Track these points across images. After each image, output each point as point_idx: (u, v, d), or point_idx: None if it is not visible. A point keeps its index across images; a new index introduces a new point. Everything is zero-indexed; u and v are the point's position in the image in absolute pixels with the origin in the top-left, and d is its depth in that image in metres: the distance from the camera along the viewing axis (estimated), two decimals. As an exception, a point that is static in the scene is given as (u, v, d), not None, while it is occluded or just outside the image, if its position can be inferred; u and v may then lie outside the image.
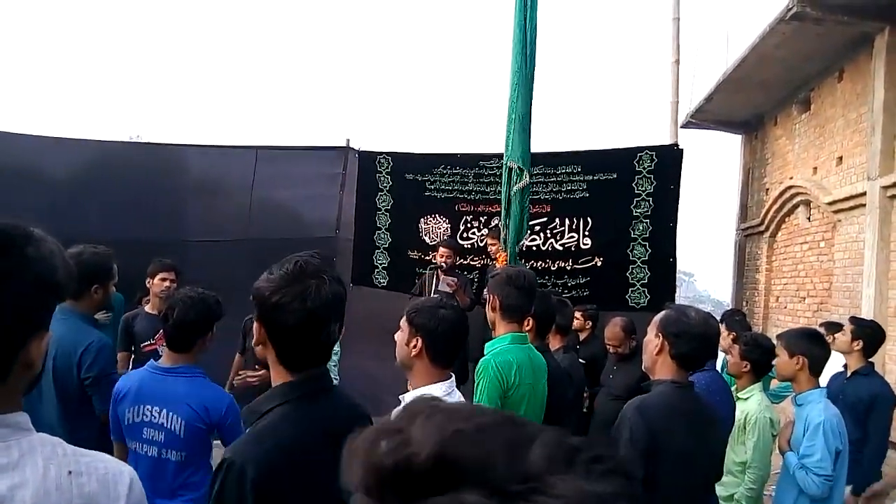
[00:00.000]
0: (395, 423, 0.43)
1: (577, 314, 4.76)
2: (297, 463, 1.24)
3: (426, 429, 0.40)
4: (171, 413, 2.17)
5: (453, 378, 2.01)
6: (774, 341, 2.98)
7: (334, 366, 4.23)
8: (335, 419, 1.33)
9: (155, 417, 2.18)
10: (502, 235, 4.19)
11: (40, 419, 2.38)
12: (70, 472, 0.85)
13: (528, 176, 4.06)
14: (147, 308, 3.93)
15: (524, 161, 4.05)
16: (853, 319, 4.01)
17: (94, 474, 0.87)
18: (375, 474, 0.40)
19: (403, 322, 1.96)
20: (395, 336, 1.99)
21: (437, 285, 5.06)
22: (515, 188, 4.01)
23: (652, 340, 2.07)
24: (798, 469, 2.64)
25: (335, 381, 4.21)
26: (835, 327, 4.18)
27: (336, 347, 4.12)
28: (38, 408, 2.46)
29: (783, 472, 2.82)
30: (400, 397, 1.93)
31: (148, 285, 3.97)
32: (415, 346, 1.90)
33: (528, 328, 2.71)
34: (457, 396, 1.99)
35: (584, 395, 4.14)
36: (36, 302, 0.86)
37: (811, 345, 2.75)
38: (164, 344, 3.61)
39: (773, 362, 2.93)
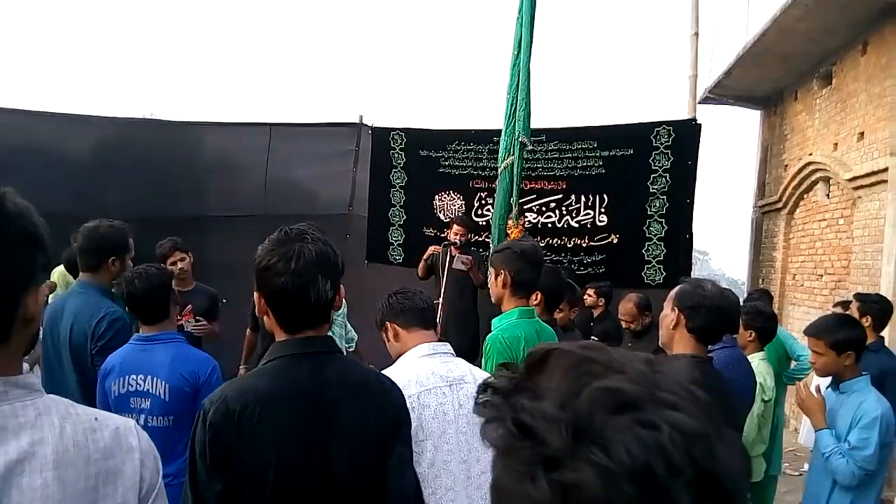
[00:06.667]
0: None
1: (590, 291, 4.76)
2: (257, 413, 1.32)
3: None
4: (155, 378, 2.20)
5: (447, 344, 2.06)
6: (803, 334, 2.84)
7: (344, 339, 4.19)
8: (318, 381, 1.38)
9: (140, 385, 2.21)
10: (513, 211, 4.22)
11: (67, 390, 2.43)
12: (85, 430, 0.89)
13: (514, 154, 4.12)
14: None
15: (528, 135, 4.10)
16: (858, 296, 3.94)
17: (106, 430, 0.92)
18: None
19: None
20: None
21: (450, 262, 5.06)
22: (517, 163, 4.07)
23: (668, 315, 2.05)
24: (837, 455, 2.49)
25: (348, 349, 4.09)
26: (848, 306, 4.12)
27: (342, 313, 4.10)
28: (62, 379, 2.51)
29: (815, 458, 2.70)
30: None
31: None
32: None
33: (535, 302, 2.69)
34: (438, 359, 1.99)
35: None
36: (24, 255, 0.87)
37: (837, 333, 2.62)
38: (192, 318, 3.71)
39: (811, 361, 2.81)
